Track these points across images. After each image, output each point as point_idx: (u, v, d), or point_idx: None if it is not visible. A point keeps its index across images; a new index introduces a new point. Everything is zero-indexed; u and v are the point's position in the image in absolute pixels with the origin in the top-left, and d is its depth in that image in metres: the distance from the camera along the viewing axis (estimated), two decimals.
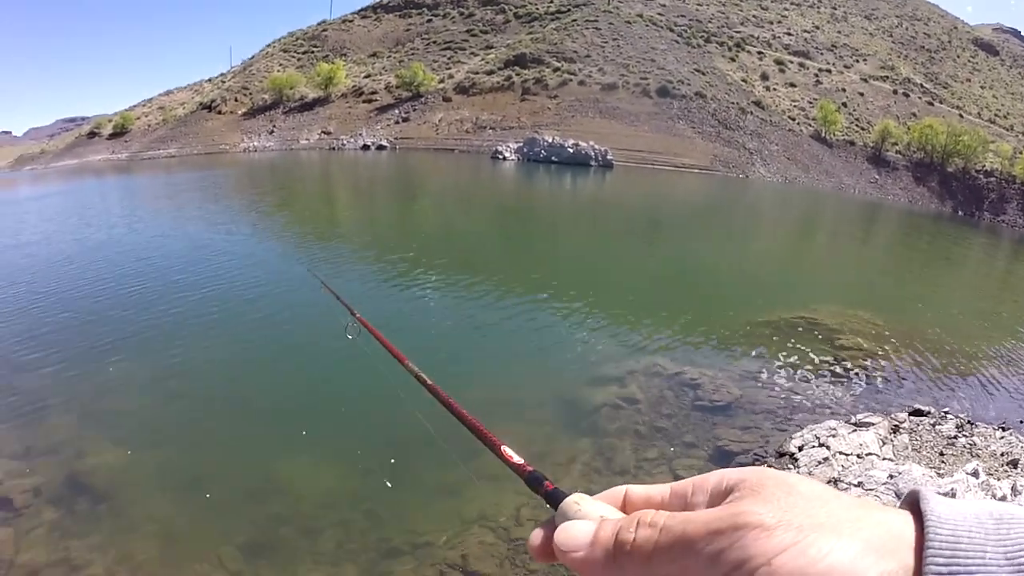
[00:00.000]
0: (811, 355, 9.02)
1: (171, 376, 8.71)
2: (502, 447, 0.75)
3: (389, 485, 6.11)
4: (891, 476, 5.26)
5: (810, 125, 54.32)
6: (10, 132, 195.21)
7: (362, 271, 14.19)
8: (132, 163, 56.76)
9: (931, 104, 65.52)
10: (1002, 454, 6.08)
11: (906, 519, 0.40)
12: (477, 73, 61.59)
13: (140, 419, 7.63)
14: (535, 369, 8.81)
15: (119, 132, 70.82)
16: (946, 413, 7.02)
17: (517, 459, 0.71)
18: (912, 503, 0.40)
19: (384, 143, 53.52)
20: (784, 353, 9.05)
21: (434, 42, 72.75)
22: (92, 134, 74.11)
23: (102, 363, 9.13)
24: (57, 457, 6.89)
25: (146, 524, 5.77)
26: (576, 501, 0.53)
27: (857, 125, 56.41)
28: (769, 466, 5.47)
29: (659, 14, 71.90)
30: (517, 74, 58.61)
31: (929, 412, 7.00)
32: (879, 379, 8.46)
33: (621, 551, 0.47)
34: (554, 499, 0.57)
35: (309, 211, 25.21)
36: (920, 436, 6.45)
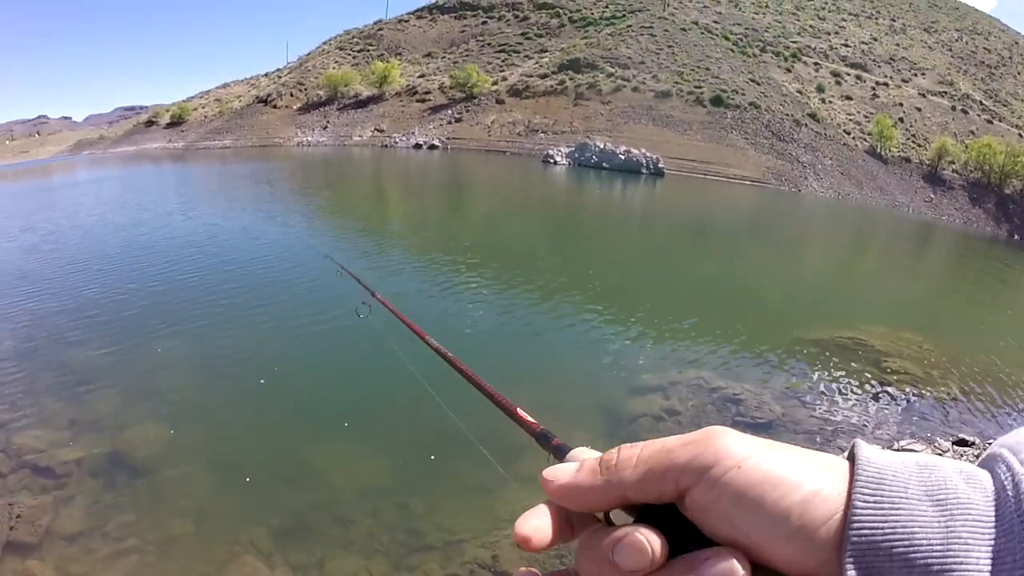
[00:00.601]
0: (856, 376, 8.95)
1: (217, 360, 8.94)
2: (517, 409, 0.83)
3: (424, 479, 6.23)
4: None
5: (865, 140, 53.62)
6: (70, 117, 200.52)
7: (408, 268, 14.46)
8: (188, 152, 58.46)
9: (990, 122, 64.01)
10: None
11: (846, 463, 0.46)
12: (531, 76, 62.04)
13: (184, 399, 7.79)
14: (576, 374, 8.84)
15: (176, 122, 73.01)
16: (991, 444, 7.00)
17: (529, 419, 0.78)
18: (851, 453, 0.46)
19: (436, 143, 54.34)
20: (829, 373, 9.02)
21: (488, 44, 73.35)
22: (150, 123, 76.52)
23: (150, 344, 9.34)
24: (100, 431, 7.06)
25: (182, 501, 5.92)
26: (579, 451, 0.57)
27: (913, 141, 55.50)
28: None
29: (715, 22, 71.64)
30: (571, 78, 58.90)
31: (974, 443, 6.88)
32: (924, 405, 8.35)
33: (606, 468, 0.50)
34: (560, 452, 0.61)
35: (361, 206, 25.77)
36: None
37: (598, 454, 0.55)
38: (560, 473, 0.52)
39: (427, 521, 5.64)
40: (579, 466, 0.52)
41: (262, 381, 8.32)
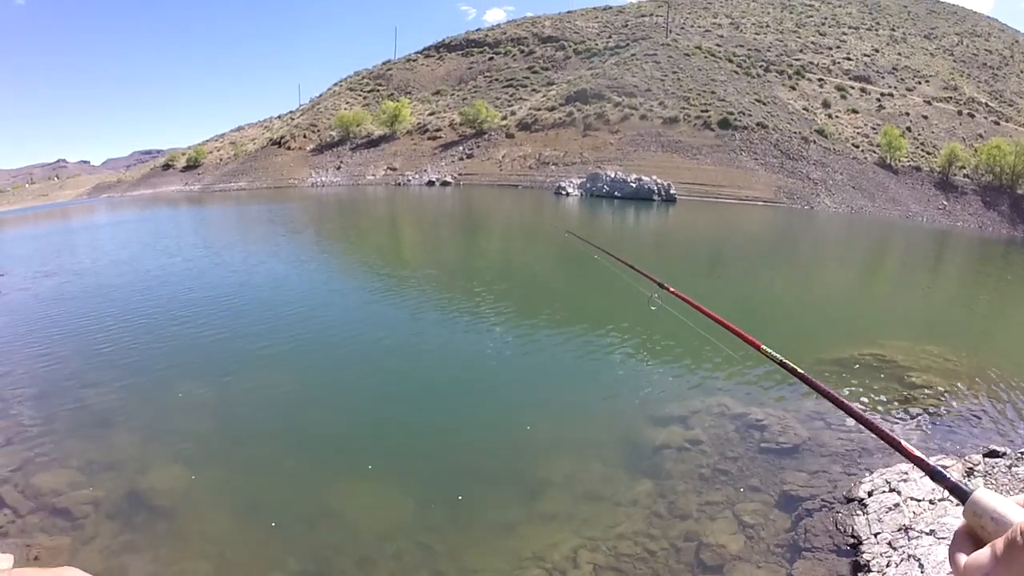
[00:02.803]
0: (881, 394, 8.83)
1: (237, 401, 8.95)
2: (901, 442, 0.81)
3: (447, 519, 6.13)
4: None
5: (874, 152, 53.88)
6: (88, 161, 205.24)
7: (428, 299, 14.54)
8: (204, 194, 60.06)
9: (997, 123, 63.96)
10: None
11: None
12: (539, 109, 63.15)
13: (204, 441, 7.77)
14: (596, 405, 8.77)
15: (192, 165, 75.24)
16: (1023, 454, 6.64)
17: (917, 453, 0.76)
18: None
19: (448, 179, 55.44)
20: (853, 392, 8.87)
21: (496, 80, 74.82)
22: (167, 166, 78.91)
23: (170, 385, 9.36)
24: (119, 472, 7.00)
25: (202, 544, 5.87)
26: (983, 496, 0.56)
27: (923, 150, 55.71)
28: (837, 513, 5.79)
29: (717, 45, 72.64)
30: (579, 110, 59.91)
31: (1005, 453, 6.64)
32: (952, 419, 8.18)
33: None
34: (959, 493, 0.58)
35: (375, 243, 26.06)
36: (996, 479, 6.12)
37: (1003, 499, 0.54)
38: (980, 563, 0.54)
39: (450, 562, 5.57)
40: (992, 553, 0.53)
41: (282, 421, 8.36)
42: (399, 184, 57.15)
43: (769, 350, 1.63)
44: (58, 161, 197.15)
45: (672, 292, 2.84)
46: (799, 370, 1.37)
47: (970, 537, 0.66)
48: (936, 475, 0.68)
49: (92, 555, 5.70)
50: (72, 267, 20.21)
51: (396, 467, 7.14)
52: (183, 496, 6.58)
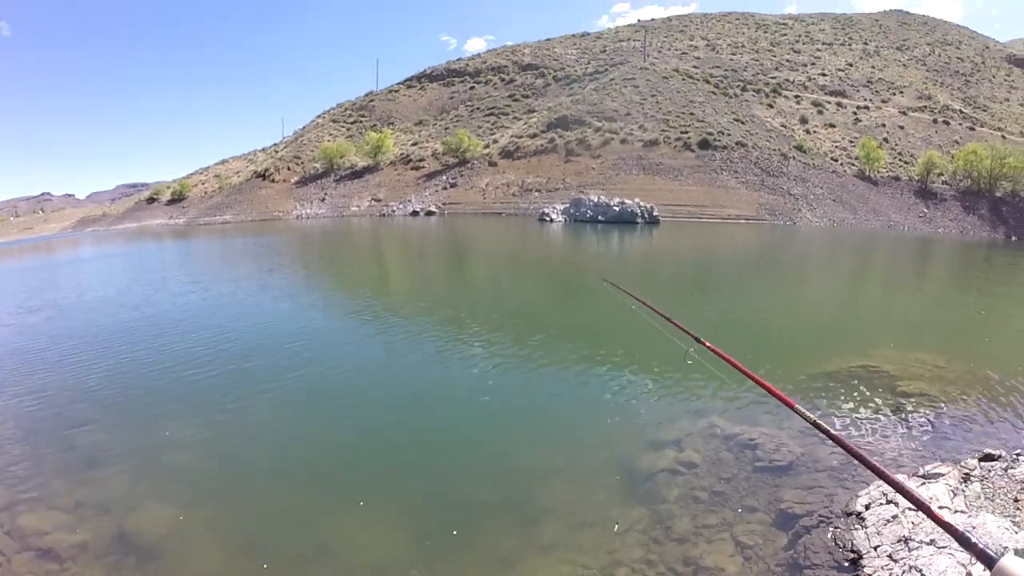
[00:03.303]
0: (872, 405, 8.73)
1: (226, 438, 8.85)
2: (933, 509, 0.85)
3: (442, 552, 6.09)
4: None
5: (853, 165, 54.70)
6: (73, 195, 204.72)
7: (417, 331, 14.28)
8: (190, 228, 59.36)
9: (972, 129, 65.17)
10: None
11: None
12: (521, 137, 63.71)
13: (193, 480, 7.66)
14: (589, 432, 8.63)
15: (177, 198, 75.50)
16: (1019, 455, 6.63)
17: (946, 519, 0.79)
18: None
19: (433, 208, 55.62)
20: (844, 405, 8.79)
21: (478, 108, 75.55)
22: (151, 199, 79.16)
23: (158, 423, 9.22)
24: (107, 513, 6.89)
25: None
26: (1009, 562, 0.58)
27: (900, 159, 56.56)
28: (836, 528, 5.72)
29: (694, 67, 73.74)
30: (560, 136, 60.50)
31: (1000, 456, 6.57)
32: (945, 425, 8.10)
33: None
34: (987, 560, 0.61)
35: (362, 276, 25.73)
36: (992, 483, 6.07)
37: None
38: None
39: None
40: None
41: (273, 458, 8.24)
42: (383, 215, 57.29)
43: (803, 410, 1.66)
44: (43, 194, 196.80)
45: (708, 347, 3.04)
46: (832, 431, 1.45)
47: None
48: (964, 542, 0.65)
49: None
50: (57, 303, 19.86)
51: (389, 501, 7.03)
52: (173, 536, 6.46)
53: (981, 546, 0.68)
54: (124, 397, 10.42)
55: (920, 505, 0.87)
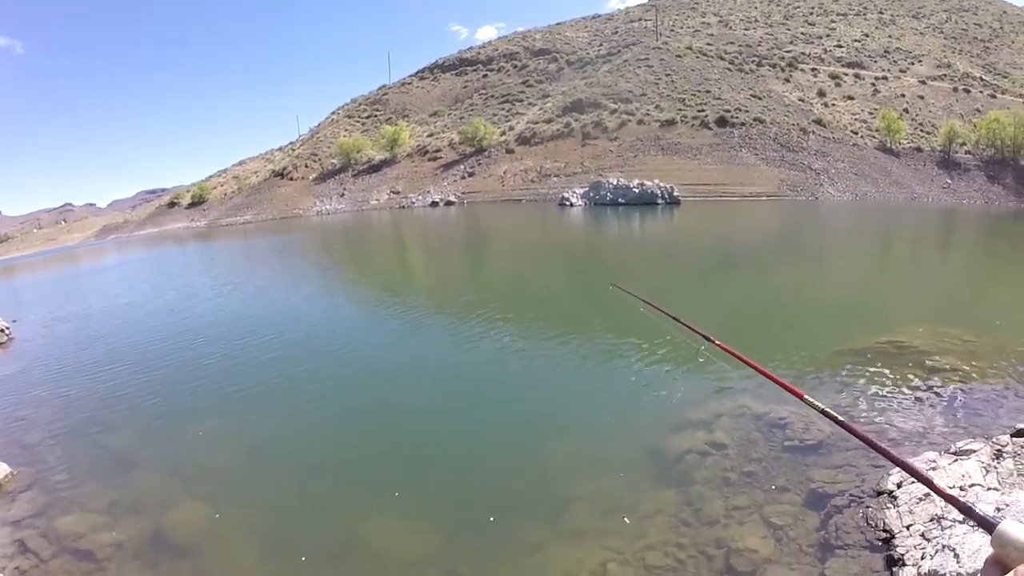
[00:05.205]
0: (902, 382, 8.56)
1: (256, 436, 8.95)
2: (934, 480, 0.94)
3: (474, 542, 6.13)
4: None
5: (874, 137, 53.98)
6: (94, 204, 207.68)
7: (442, 323, 14.57)
8: (211, 229, 60.51)
9: (993, 96, 63.78)
10: None
11: None
12: (536, 123, 63.69)
13: (226, 478, 7.76)
14: (617, 417, 8.64)
15: (197, 201, 76.50)
16: None
17: (948, 491, 0.87)
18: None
19: (452, 198, 55.99)
20: (874, 382, 8.65)
21: (492, 96, 75.47)
22: (172, 204, 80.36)
23: (189, 423, 9.38)
24: (141, 513, 6.99)
25: None
26: (1009, 527, 0.65)
27: (921, 130, 55.76)
28: (867, 507, 5.65)
29: (708, 44, 73.04)
30: (576, 120, 60.44)
31: None
32: (976, 400, 7.92)
33: None
34: (987, 524, 0.68)
35: (386, 269, 26.03)
36: None
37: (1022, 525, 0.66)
38: None
39: None
40: None
41: (305, 454, 8.34)
42: (403, 207, 57.66)
43: (811, 399, 1.74)
44: (64, 205, 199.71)
45: (718, 345, 2.99)
46: (839, 418, 1.52)
47: (997, 564, 0.77)
48: (967, 511, 0.81)
49: None
50: (84, 311, 20.26)
51: (421, 493, 7.10)
52: (207, 534, 6.58)
53: (981, 514, 0.79)
54: (153, 399, 10.70)
55: (921, 478, 0.94)
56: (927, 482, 0.90)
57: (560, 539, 5.92)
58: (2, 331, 17.00)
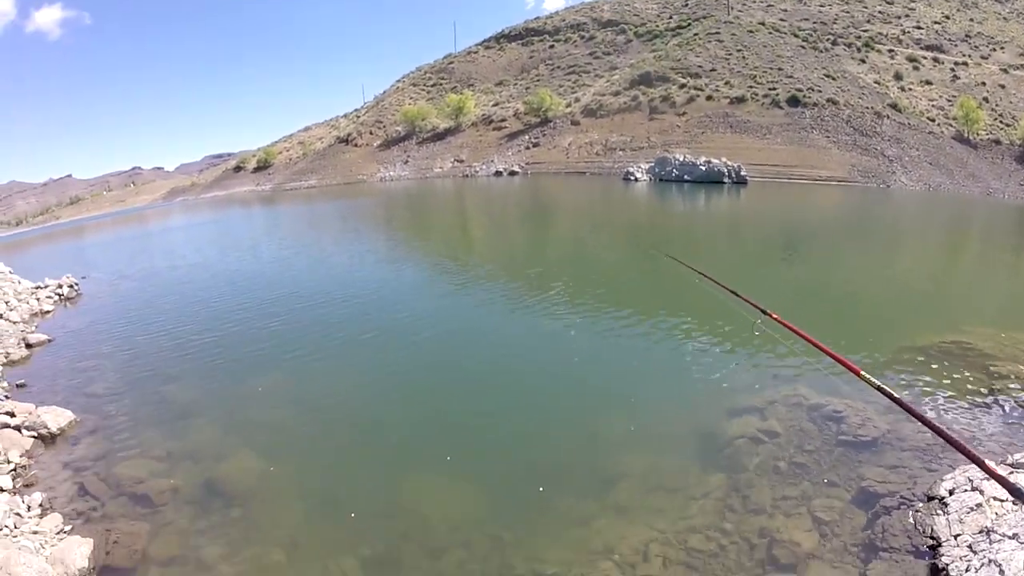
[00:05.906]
0: (964, 385, 8.28)
1: (315, 394, 9.19)
2: (986, 460, 0.91)
3: (519, 511, 6.26)
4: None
5: (951, 125, 52.21)
6: (162, 168, 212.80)
7: (504, 294, 14.71)
8: (276, 193, 62.68)
9: None
10: None
11: None
12: (603, 95, 63.36)
13: (281, 433, 8.02)
14: (671, 397, 8.76)
15: (263, 166, 78.58)
16: None
17: (1000, 471, 0.82)
18: None
19: (516, 168, 56.41)
20: (934, 382, 8.41)
21: (558, 67, 75.06)
22: (238, 168, 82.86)
23: (248, 379, 9.71)
24: (198, 462, 7.29)
25: (274, 531, 6.09)
26: None
27: (1001, 121, 53.69)
28: (916, 511, 5.56)
29: (781, 19, 71.24)
30: (643, 93, 59.92)
31: None
32: None
33: None
34: None
35: (449, 238, 26.34)
36: None
37: None
38: None
39: (519, 553, 5.62)
40: None
41: (360, 413, 8.57)
42: (467, 176, 58.40)
43: (868, 376, 1.71)
44: (133, 168, 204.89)
45: (774, 318, 3.01)
46: (895, 395, 1.48)
47: None
48: (1017, 493, 0.80)
49: (169, 539, 6.06)
50: (150, 270, 21.14)
51: (472, 460, 7.26)
52: (258, 485, 6.84)
53: None
54: (216, 355, 11.19)
55: (970, 455, 0.92)
56: (978, 461, 0.90)
57: (605, 514, 6.04)
58: (71, 287, 18.22)
